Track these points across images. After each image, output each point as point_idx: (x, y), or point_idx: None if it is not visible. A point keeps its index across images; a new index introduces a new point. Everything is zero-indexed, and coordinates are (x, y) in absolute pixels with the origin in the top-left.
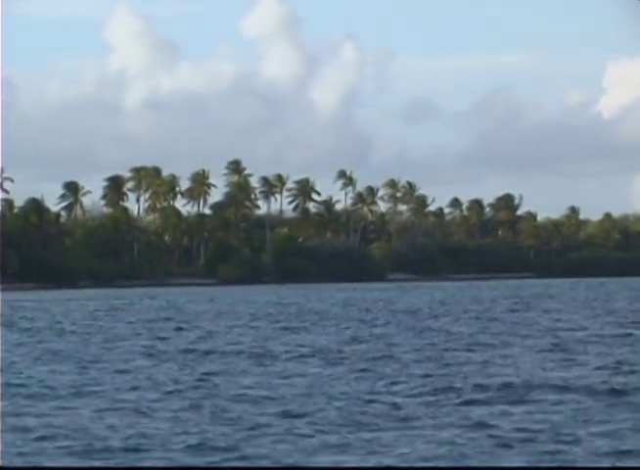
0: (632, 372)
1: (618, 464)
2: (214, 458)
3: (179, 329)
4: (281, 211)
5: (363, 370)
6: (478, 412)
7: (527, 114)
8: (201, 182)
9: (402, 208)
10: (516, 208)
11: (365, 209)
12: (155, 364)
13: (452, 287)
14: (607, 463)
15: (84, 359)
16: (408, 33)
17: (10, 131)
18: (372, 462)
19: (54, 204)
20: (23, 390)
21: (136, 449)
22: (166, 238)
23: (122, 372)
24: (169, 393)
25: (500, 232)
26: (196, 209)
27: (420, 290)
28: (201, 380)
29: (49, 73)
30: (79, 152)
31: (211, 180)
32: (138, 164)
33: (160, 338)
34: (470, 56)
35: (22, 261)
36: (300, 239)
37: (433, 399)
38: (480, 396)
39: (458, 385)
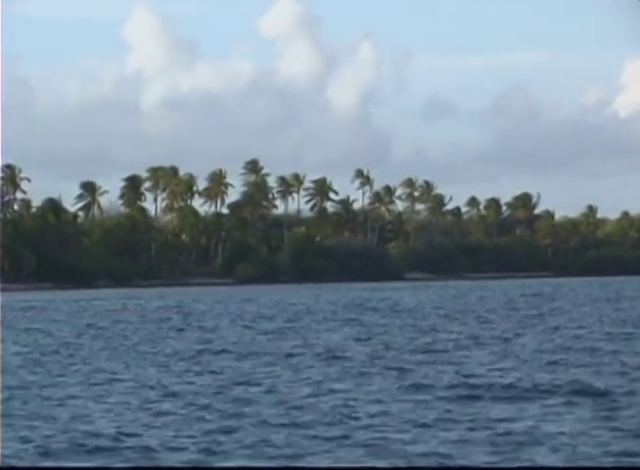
0: (624, 373)
1: (618, 464)
2: (199, 457)
3: (177, 330)
4: (298, 210)
5: (351, 369)
6: (458, 410)
7: (545, 112)
8: (218, 182)
9: (420, 207)
10: (533, 206)
11: (382, 208)
12: (136, 364)
13: (467, 286)
14: (599, 464)
15: (70, 359)
16: (425, 32)
17: (27, 131)
18: (366, 462)
19: (71, 204)
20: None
21: (117, 448)
22: (184, 238)
23: (107, 372)
24: (153, 391)
25: (518, 231)
26: (213, 208)
27: (432, 289)
28: (188, 382)
29: (67, 73)
30: (97, 152)
31: (229, 180)
32: (156, 164)
33: (148, 339)
34: (487, 55)
35: (40, 261)
36: (318, 238)
37: (416, 397)
38: (468, 393)
39: (443, 383)
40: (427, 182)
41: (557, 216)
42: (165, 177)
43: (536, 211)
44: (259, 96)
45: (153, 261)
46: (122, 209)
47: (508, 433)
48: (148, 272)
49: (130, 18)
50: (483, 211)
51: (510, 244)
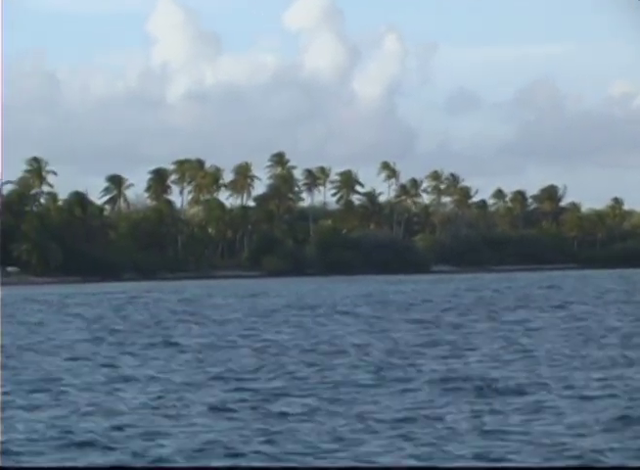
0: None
1: (619, 464)
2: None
3: (186, 322)
4: (324, 202)
5: (354, 363)
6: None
7: (570, 104)
8: (244, 174)
9: (446, 199)
10: (559, 199)
11: (409, 200)
12: (140, 357)
13: (491, 278)
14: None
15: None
16: (450, 25)
17: (54, 125)
18: (362, 461)
19: (98, 197)
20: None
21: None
22: (210, 230)
23: (109, 365)
24: (153, 383)
25: (544, 223)
26: (239, 201)
27: (454, 282)
28: (194, 375)
29: (93, 67)
30: (123, 145)
31: (255, 172)
32: (181, 157)
33: (155, 332)
34: (512, 47)
35: (66, 255)
36: (344, 231)
37: (412, 391)
38: (464, 387)
39: (438, 377)
40: (452, 175)
41: (583, 209)
42: (191, 170)
43: (562, 204)
44: (284, 89)
45: (179, 254)
46: (149, 202)
47: (504, 429)
48: (174, 265)
49: (155, 11)
50: (509, 204)
51: (536, 236)
